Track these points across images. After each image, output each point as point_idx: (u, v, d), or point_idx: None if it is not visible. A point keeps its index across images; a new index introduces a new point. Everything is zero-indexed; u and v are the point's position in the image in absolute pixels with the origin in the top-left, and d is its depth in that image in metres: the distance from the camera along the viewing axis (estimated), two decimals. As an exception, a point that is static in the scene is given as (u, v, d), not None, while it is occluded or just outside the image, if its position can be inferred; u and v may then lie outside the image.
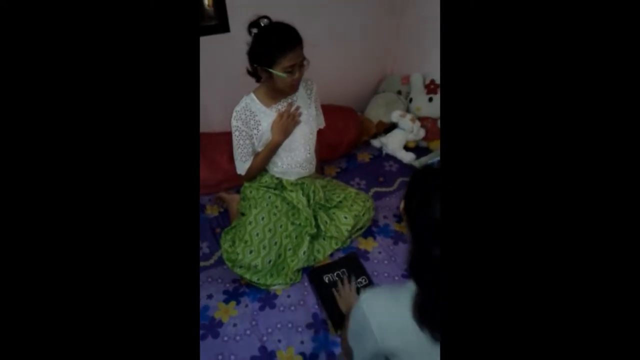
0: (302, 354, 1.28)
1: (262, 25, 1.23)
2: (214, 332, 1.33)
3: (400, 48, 2.27)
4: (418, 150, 2.12)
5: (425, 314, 0.67)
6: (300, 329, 1.34)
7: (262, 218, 1.48)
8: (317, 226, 1.55)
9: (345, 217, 1.58)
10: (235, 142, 1.42)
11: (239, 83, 1.40)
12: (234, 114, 1.37)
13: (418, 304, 0.68)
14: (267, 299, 1.44)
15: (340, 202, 1.63)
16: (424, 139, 2.11)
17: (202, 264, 1.56)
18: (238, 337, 1.32)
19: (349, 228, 1.57)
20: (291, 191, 1.53)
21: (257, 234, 1.45)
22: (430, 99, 2.11)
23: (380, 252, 1.59)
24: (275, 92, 1.36)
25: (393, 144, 2.06)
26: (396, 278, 1.50)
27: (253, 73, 1.31)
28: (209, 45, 1.56)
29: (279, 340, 1.31)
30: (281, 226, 1.49)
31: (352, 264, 1.52)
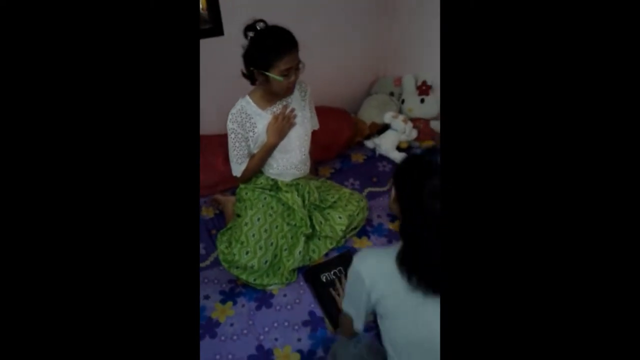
0: (300, 351, 1.30)
1: (259, 28, 1.24)
2: (212, 332, 1.35)
3: (392, 50, 2.30)
4: (410, 150, 2.15)
5: (406, 262, 0.80)
6: (296, 327, 1.36)
7: (258, 219, 1.49)
8: (312, 226, 1.57)
9: (340, 217, 1.60)
10: (231, 145, 1.43)
11: (234, 86, 1.42)
12: (230, 116, 1.39)
13: (401, 254, 0.81)
14: (263, 299, 1.45)
15: (335, 202, 1.65)
16: (416, 139, 2.14)
17: (198, 265, 1.58)
18: (235, 337, 1.34)
19: (344, 228, 1.60)
20: (286, 192, 1.55)
21: (254, 235, 1.47)
22: (422, 100, 2.14)
23: (374, 251, 1.62)
24: (270, 95, 1.38)
25: (386, 144, 2.09)
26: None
27: (248, 75, 1.33)
28: (203, 48, 1.57)
29: (276, 339, 1.33)
30: (277, 227, 1.51)
31: (348, 262, 1.53)
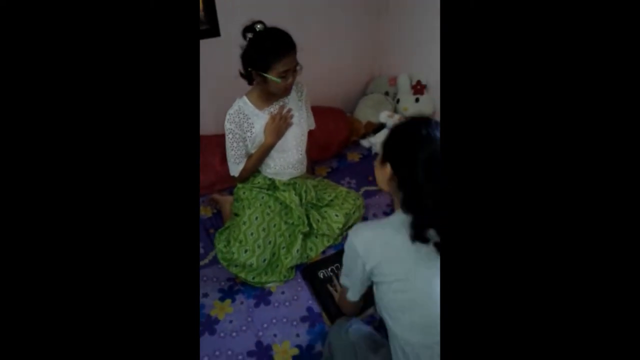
0: (299, 346, 1.32)
1: (257, 30, 1.26)
2: (211, 329, 1.37)
3: (387, 50, 2.32)
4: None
5: (410, 208, 0.85)
6: (295, 323, 1.39)
7: (256, 218, 1.51)
8: (310, 224, 1.60)
9: (337, 215, 1.63)
10: (228, 145, 1.45)
11: (230, 86, 1.43)
12: (227, 116, 1.41)
13: (411, 224, 0.84)
14: (261, 296, 1.48)
15: (332, 200, 1.67)
16: (412, 138, 2.16)
17: (197, 263, 1.59)
18: (234, 333, 1.36)
19: (340, 226, 1.62)
20: (284, 191, 1.57)
21: (252, 234, 1.49)
22: (417, 100, 2.16)
23: (370, 249, 1.64)
24: (267, 95, 1.40)
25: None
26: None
27: (246, 76, 1.35)
28: (200, 49, 1.59)
29: (275, 335, 1.35)
30: (275, 225, 1.53)
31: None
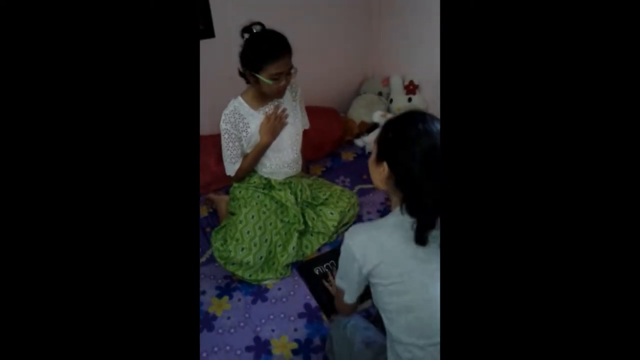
0: (297, 340, 1.35)
1: (255, 31, 1.28)
2: (209, 326, 1.39)
3: (380, 51, 2.36)
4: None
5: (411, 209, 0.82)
6: (292, 318, 1.41)
7: (252, 216, 1.54)
8: (305, 223, 1.62)
9: (332, 213, 1.66)
10: (224, 145, 1.48)
11: (225, 87, 1.46)
12: (223, 117, 1.43)
13: (413, 227, 0.82)
14: (258, 293, 1.50)
15: (327, 199, 1.70)
16: (405, 137, 2.19)
17: (194, 262, 1.61)
18: (232, 330, 1.38)
19: (335, 224, 1.65)
20: (279, 190, 1.60)
21: (248, 232, 1.51)
22: (410, 99, 2.20)
23: (365, 246, 1.67)
24: (262, 95, 1.42)
25: (375, 143, 2.14)
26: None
27: (242, 75, 1.37)
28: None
29: (273, 330, 1.38)
30: (271, 224, 1.56)
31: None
